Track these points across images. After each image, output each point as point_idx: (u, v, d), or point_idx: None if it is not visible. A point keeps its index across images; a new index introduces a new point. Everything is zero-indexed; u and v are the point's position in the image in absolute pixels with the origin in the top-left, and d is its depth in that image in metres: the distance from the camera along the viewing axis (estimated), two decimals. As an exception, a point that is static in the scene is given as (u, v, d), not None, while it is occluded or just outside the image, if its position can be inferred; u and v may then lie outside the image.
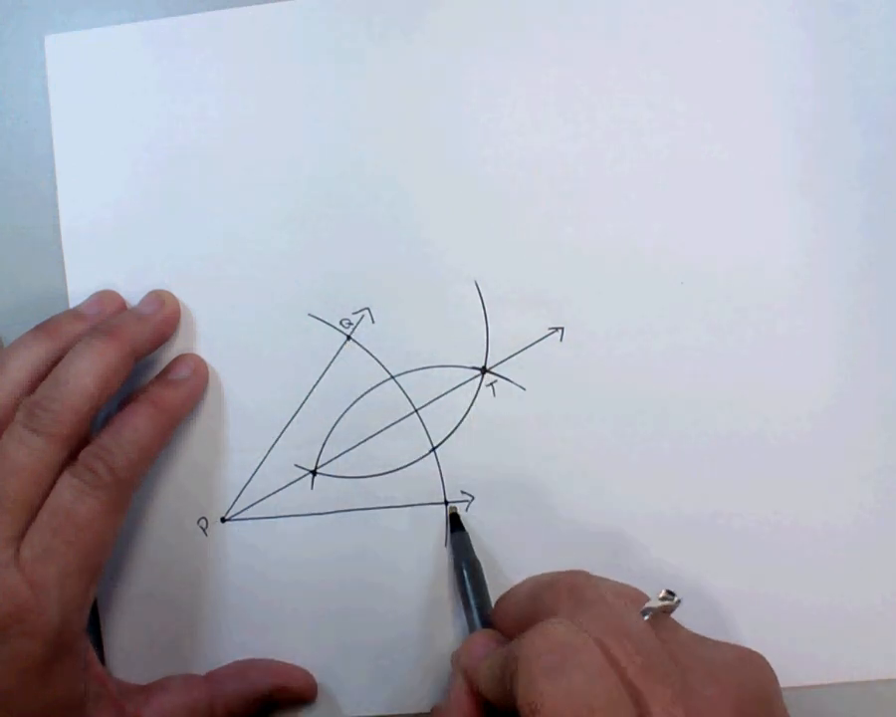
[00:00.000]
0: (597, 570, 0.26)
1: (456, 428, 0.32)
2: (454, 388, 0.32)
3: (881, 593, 0.31)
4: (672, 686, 0.22)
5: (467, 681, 0.26)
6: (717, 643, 0.25)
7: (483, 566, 0.31)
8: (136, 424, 0.29)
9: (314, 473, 0.33)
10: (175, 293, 0.33)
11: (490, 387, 0.32)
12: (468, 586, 0.30)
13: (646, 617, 0.24)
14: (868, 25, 0.32)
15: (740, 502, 0.31)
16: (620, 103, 0.32)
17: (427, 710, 0.32)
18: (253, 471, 0.33)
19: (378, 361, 0.33)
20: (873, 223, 0.32)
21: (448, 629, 0.32)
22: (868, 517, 0.32)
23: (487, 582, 0.31)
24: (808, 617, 0.31)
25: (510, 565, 0.32)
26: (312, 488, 0.33)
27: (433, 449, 0.32)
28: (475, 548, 0.31)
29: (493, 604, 0.29)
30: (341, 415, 0.33)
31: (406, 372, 0.33)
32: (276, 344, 0.33)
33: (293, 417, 0.33)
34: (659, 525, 0.32)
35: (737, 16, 0.32)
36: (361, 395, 0.33)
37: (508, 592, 0.28)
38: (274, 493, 0.33)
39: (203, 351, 0.33)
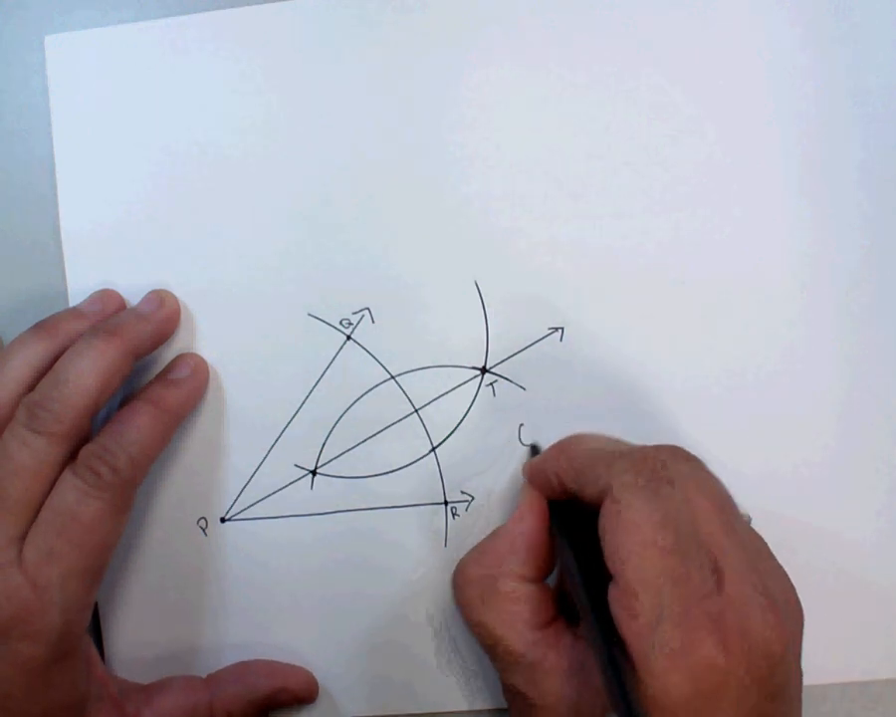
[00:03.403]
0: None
1: (456, 428, 0.32)
2: (454, 388, 0.32)
3: (881, 593, 0.31)
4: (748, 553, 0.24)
5: (536, 487, 0.29)
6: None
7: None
8: (138, 424, 0.29)
9: (314, 473, 0.33)
10: (175, 293, 0.33)
11: (490, 387, 0.32)
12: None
13: None
14: (868, 25, 0.32)
15: (740, 502, 0.31)
16: (620, 102, 0.32)
17: (427, 710, 0.32)
18: (253, 471, 0.33)
19: (378, 362, 0.33)
20: (873, 223, 0.32)
21: (448, 629, 0.32)
22: (867, 517, 0.32)
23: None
24: (808, 618, 0.31)
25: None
26: (312, 488, 0.33)
27: (433, 449, 0.32)
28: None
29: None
30: (341, 415, 0.33)
31: (406, 372, 0.33)
32: (276, 344, 0.33)
33: (293, 417, 0.33)
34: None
35: (737, 16, 0.32)
36: (361, 395, 0.33)
37: (575, 440, 0.29)
38: (274, 493, 0.33)
39: (203, 351, 0.33)
